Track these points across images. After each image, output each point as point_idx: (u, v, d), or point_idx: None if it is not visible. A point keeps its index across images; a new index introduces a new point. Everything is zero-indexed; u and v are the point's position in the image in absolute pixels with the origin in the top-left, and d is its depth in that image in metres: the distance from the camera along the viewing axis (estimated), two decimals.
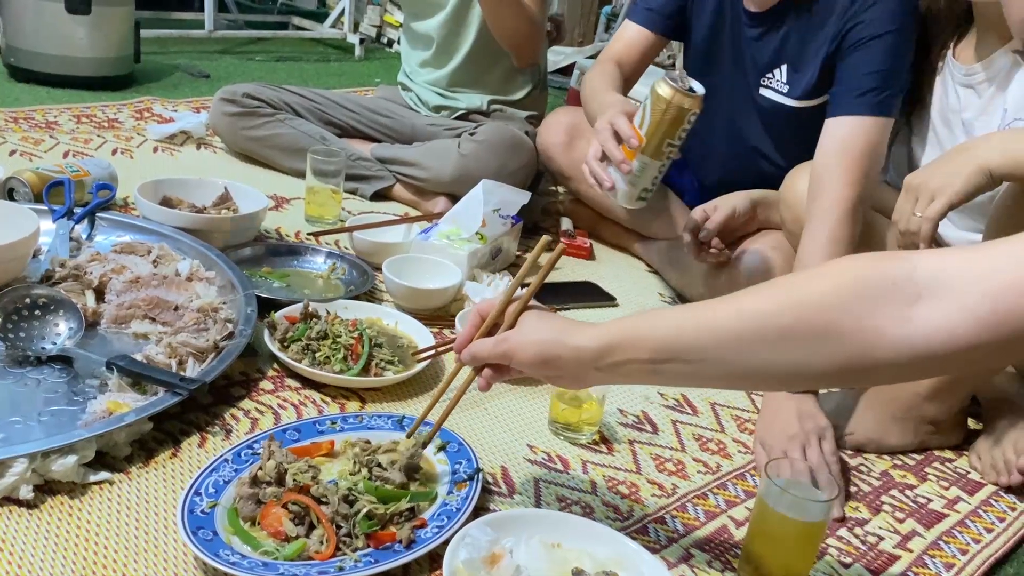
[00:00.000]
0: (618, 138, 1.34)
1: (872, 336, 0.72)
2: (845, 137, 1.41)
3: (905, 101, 1.48)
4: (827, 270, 0.79)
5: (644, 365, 0.82)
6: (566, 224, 1.96)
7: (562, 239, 1.89)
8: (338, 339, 1.26)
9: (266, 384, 1.21)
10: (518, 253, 1.80)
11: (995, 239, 0.74)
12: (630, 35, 1.71)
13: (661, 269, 1.85)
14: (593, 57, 3.36)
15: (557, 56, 3.45)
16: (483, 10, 1.89)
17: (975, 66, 1.37)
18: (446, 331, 1.43)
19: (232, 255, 1.46)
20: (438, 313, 1.49)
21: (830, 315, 0.74)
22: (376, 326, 1.35)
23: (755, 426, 1.32)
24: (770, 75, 1.59)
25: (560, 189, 2.11)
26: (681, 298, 1.76)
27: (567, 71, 3.42)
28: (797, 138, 1.56)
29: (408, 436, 1.04)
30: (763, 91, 1.60)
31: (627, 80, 1.68)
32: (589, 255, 1.89)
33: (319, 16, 4.01)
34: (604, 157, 1.37)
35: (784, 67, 1.57)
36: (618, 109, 1.37)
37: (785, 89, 1.58)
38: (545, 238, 0.96)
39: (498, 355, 0.90)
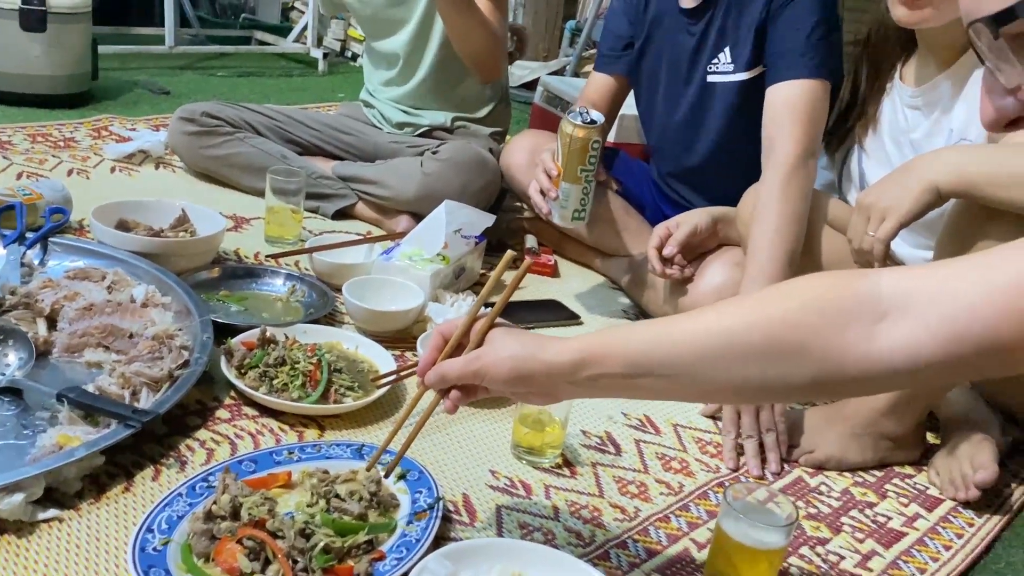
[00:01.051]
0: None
1: (838, 354, 0.74)
2: (787, 99, 1.51)
3: (854, 120, 1.51)
4: (794, 288, 0.81)
5: (617, 379, 0.83)
6: (530, 242, 1.96)
7: (527, 256, 1.89)
8: (296, 365, 1.24)
9: (223, 413, 1.19)
10: (482, 272, 1.80)
11: (953, 257, 0.76)
12: (596, 83, 1.85)
13: (624, 285, 1.85)
14: (558, 72, 3.37)
15: (521, 71, 3.46)
16: (445, 26, 1.89)
17: (920, 88, 1.40)
18: (408, 354, 1.42)
19: (189, 279, 1.44)
20: (400, 335, 1.48)
21: (798, 333, 0.76)
22: (336, 350, 1.33)
23: (716, 447, 1.33)
24: (716, 61, 1.66)
25: (524, 206, 2.11)
26: (644, 314, 1.76)
27: (531, 86, 3.42)
28: (752, 116, 1.60)
29: (368, 468, 1.03)
30: (711, 78, 1.67)
31: (607, 117, 1.80)
32: (553, 272, 1.89)
33: (282, 30, 3.99)
34: None
35: (726, 49, 1.64)
36: (553, 146, 1.57)
37: (731, 68, 1.65)
38: (509, 254, 0.94)
39: (470, 374, 0.87)
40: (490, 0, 1.89)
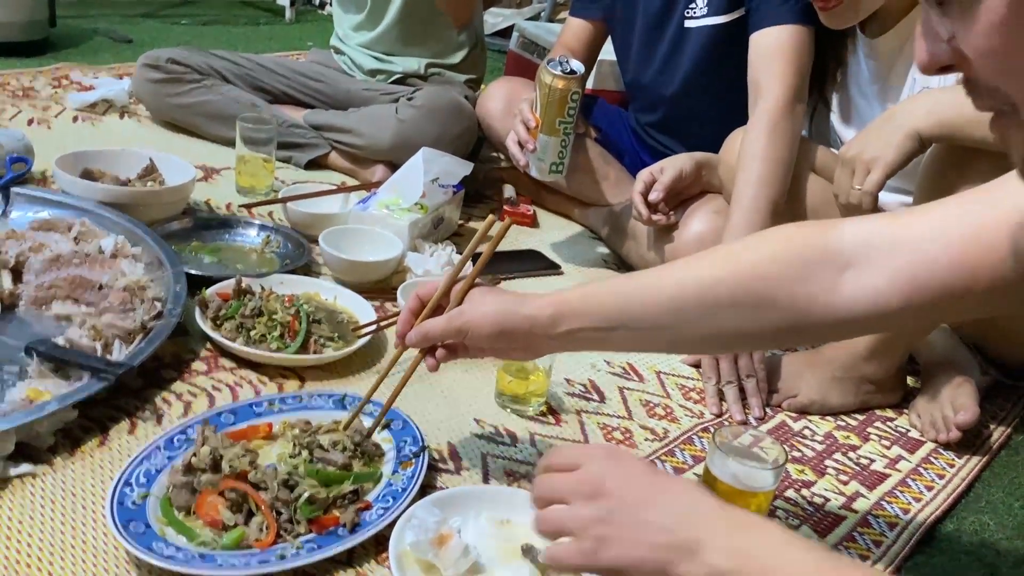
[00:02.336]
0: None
1: (804, 303, 0.79)
2: (772, 44, 1.48)
3: (821, 79, 1.50)
4: (763, 240, 0.85)
5: (594, 333, 0.86)
6: (509, 191, 1.92)
7: (505, 206, 1.86)
8: (274, 316, 1.21)
9: (199, 365, 1.16)
10: (460, 222, 1.76)
11: (922, 203, 0.81)
12: (573, 29, 1.82)
13: (604, 235, 1.83)
14: (534, 19, 3.30)
15: (495, 18, 3.38)
16: None
17: (879, 39, 1.39)
18: (388, 304, 1.39)
19: (159, 230, 1.39)
20: (379, 286, 1.45)
21: (765, 284, 0.80)
22: (314, 301, 1.30)
23: (699, 394, 1.32)
24: (692, 6, 1.63)
25: (502, 156, 2.07)
26: (625, 264, 1.75)
27: (506, 33, 3.35)
28: (730, 60, 1.58)
29: (347, 424, 1.01)
30: (688, 23, 1.65)
31: (585, 64, 1.75)
32: (532, 222, 1.86)
33: None
34: None
35: None
36: (531, 96, 1.54)
37: (706, 11, 1.62)
38: (490, 219, 0.95)
39: (453, 330, 0.90)
40: None
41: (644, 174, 1.58)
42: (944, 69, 0.57)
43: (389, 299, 1.40)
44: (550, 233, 1.85)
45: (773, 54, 1.47)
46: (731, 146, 1.49)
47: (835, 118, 1.52)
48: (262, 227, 1.54)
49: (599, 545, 0.63)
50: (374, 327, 1.26)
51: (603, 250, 1.82)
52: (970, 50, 0.53)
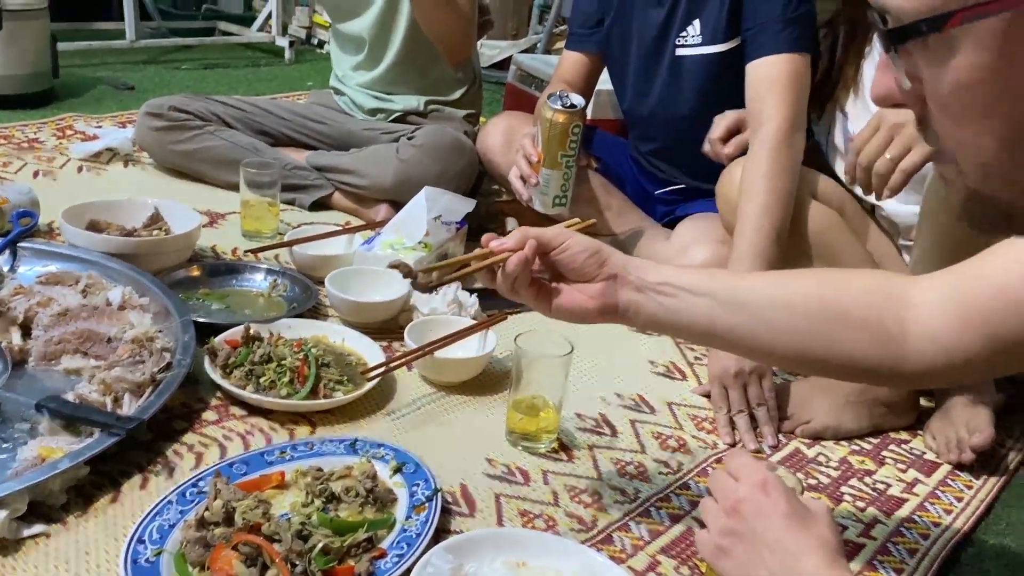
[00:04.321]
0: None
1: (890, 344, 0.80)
2: (769, 73, 1.49)
3: (833, 86, 1.50)
4: (852, 275, 0.91)
5: (678, 293, 0.87)
6: (512, 224, 1.92)
7: None
8: (283, 361, 1.21)
9: (209, 415, 1.16)
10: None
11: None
12: (569, 62, 1.83)
13: None
14: (529, 51, 3.33)
15: (491, 51, 3.41)
16: (413, 9, 1.85)
17: None
18: (396, 344, 1.39)
19: (166, 279, 1.40)
20: (386, 326, 1.45)
21: (854, 310, 0.82)
22: (322, 344, 1.30)
23: (712, 424, 1.31)
24: (684, 34, 1.64)
25: (503, 189, 2.08)
26: None
27: (503, 65, 3.38)
28: (727, 88, 1.58)
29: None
30: (680, 51, 1.65)
31: (583, 96, 1.79)
32: None
33: (246, 20, 3.91)
34: None
35: (696, 22, 1.62)
36: (532, 131, 1.55)
37: (699, 40, 1.63)
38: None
39: (552, 234, 0.89)
40: None
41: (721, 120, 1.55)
42: (897, 104, 0.57)
43: (397, 338, 1.40)
44: None
45: (771, 83, 1.47)
46: (728, 179, 1.49)
47: (851, 126, 1.51)
48: (269, 271, 1.55)
49: (720, 552, 0.74)
50: (383, 368, 1.26)
51: None
52: (931, 101, 0.53)
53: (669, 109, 1.72)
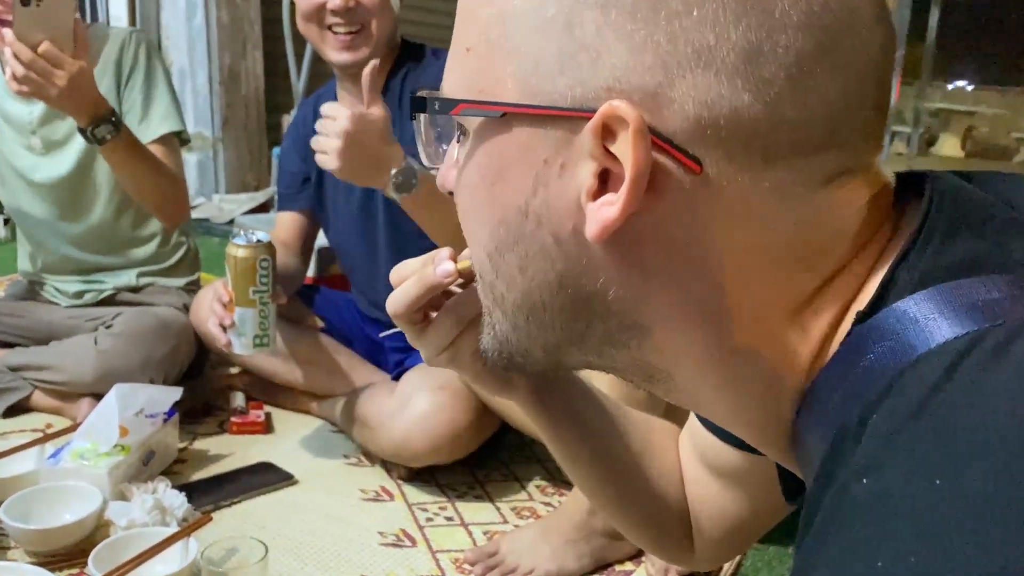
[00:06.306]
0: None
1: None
2: None
3: None
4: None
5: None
6: (237, 400, 1.83)
7: (232, 418, 1.77)
8: None
9: None
10: (182, 446, 1.65)
11: None
12: (284, 222, 1.84)
13: (341, 424, 1.77)
14: (267, 204, 3.29)
15: (231, 204, 3.34)
16: (116, 175, 1.69)
17: None
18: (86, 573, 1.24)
19: None
20: (80, 547, 1.30)
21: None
22: None
23: None
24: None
25: (233, 362, 1.98)
26: (367, 454, 1.69)
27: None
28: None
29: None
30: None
31: (302, 255, 1.85)
32: (265, 429, 1.77)
33: None
34: None
35: None
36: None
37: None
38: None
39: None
40: (162, 144, 1.75)
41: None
42: None
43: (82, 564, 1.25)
44: (285, 437, 1.77)
45: None
46: None
47: None
48: None
49: None
50: None
51: (345, 442, 1.75)
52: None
53: (382, 260, 1.72)
